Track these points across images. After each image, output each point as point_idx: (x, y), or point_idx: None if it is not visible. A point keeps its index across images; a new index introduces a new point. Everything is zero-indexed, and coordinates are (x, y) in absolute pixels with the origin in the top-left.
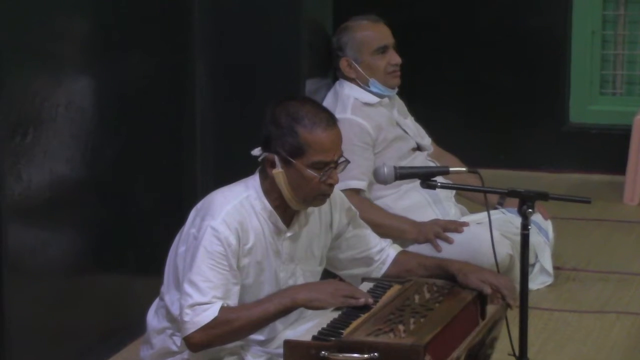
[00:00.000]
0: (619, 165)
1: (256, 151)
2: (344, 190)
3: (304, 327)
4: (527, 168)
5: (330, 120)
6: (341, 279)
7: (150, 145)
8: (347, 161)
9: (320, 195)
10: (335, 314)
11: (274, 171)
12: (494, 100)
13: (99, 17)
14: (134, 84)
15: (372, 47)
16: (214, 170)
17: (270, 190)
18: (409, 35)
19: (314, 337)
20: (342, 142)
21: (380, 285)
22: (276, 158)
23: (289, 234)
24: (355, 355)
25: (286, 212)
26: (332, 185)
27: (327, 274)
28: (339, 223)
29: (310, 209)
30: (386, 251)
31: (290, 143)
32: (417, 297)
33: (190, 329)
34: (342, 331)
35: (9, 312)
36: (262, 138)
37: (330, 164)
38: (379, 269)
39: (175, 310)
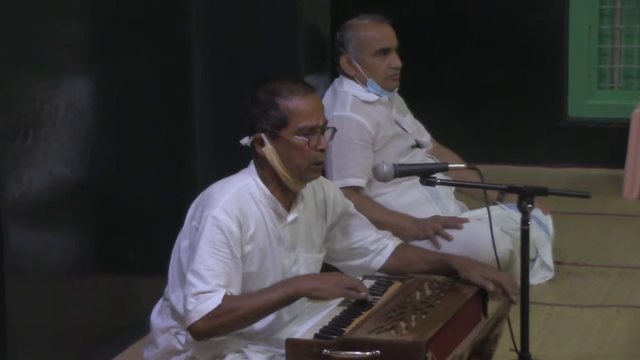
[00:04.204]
0: (617, 159)
1: (244, 140)
2: (344, 188)
3: (309, 324)
4: (526, 163)
5: (307, 87)
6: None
7: (150, 146)
8: (335, 129)
9: (313, 164)
10: (338, 311)
11: (264, 149)
12: (492, 95)
13: (97, 19)
14: (132, 85)
15: (373, 48)
16: (214, 170)
17: (266, 174)
18: (406, 33)
19: (315, 335)
20: (341, 140)
21: (381, 282)
22: (263, 135)
23: (289, 219)
24: (357, 352)
25: (284, 196)
26: (323, 151)
27: (328, 269)
28: (332, 213)
29: (307, 197)
30: (383, 242)
31: (273, 116)
32: (418, 293)
33: (194, 317)
34: (344, 329)
35: (11, 314)
36: (246, 124)
37: (316, 129)
38: (377, 260)
39: (181, 308)
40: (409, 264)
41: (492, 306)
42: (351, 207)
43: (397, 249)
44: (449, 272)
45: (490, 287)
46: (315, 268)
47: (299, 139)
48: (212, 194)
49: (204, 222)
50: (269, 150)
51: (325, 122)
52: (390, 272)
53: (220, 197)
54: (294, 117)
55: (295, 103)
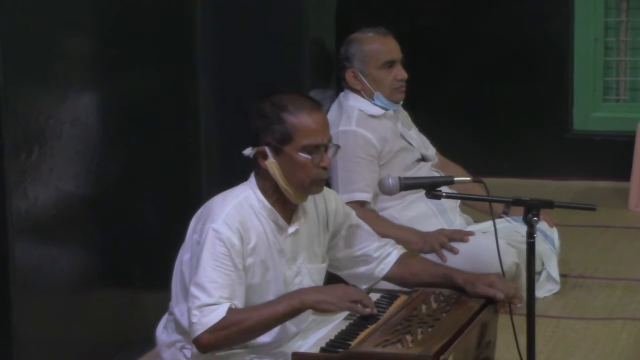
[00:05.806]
0: (623, 171)
1: (247, 150)
2: (349, 203)
3: (315, 337)
4: (531, 176)
5: (314, 104)
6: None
7: (155, 160)
8: (338, 146)
9: (316, 181)
10: (344, 325)
11: (267, 162)
12: (498, 108)
13: (103, 34)
14: (138, 100)
15: (379, 61)
16: (219, 184)
17: (267, 186)
18: (410, 46)
19: (322, 349)
20: (347, 154)
21: (387, 295)
22: (267, 149)
23: (290, 230)
24: None
25: (285, 208)
26: (325, 169)
27: (334, 279)
28: (334, 222)
29: (308, 208)
30: (386, 249)
31: (278, 130)
32: (424, 307)
33: (199, 330)
34: (350, 342)
35: (17, 328)
36: (251, 135)
37: (321, 147)
38: (380, 268)
39: (185, 322)
40: (413, 273)
41: (501, 319)
42: (352, 215)
43: (402, 258)
44: (453, 287)
45: (500, 295)
46: (319, 278)
47: (303, 156)
48: (213, 207)
49: (205, 235)
50: (271, 164)
51: (330, 139)
52: (395, 281)
53: (221, 210)
54: (299, 134)
55: (300, 119)
